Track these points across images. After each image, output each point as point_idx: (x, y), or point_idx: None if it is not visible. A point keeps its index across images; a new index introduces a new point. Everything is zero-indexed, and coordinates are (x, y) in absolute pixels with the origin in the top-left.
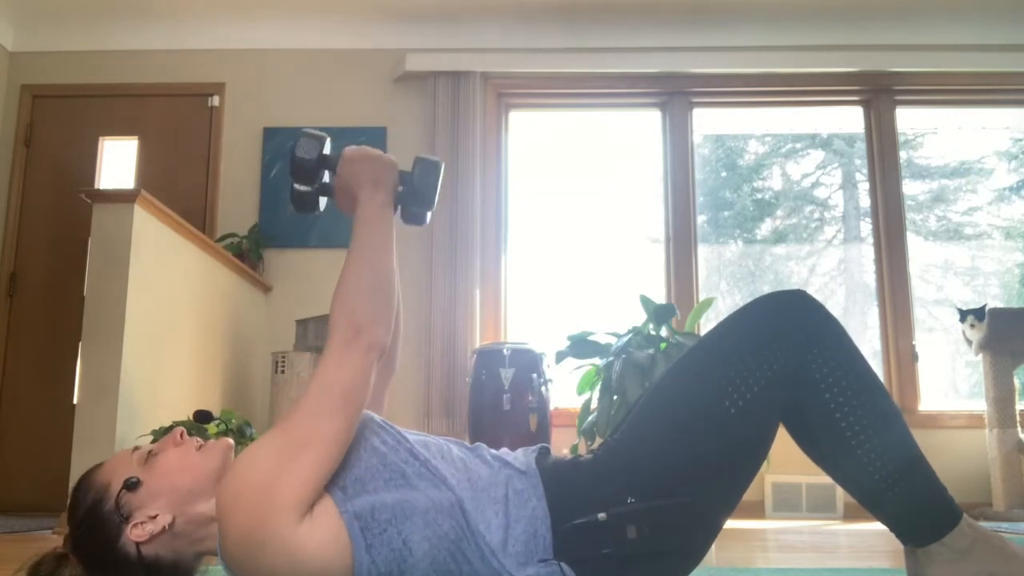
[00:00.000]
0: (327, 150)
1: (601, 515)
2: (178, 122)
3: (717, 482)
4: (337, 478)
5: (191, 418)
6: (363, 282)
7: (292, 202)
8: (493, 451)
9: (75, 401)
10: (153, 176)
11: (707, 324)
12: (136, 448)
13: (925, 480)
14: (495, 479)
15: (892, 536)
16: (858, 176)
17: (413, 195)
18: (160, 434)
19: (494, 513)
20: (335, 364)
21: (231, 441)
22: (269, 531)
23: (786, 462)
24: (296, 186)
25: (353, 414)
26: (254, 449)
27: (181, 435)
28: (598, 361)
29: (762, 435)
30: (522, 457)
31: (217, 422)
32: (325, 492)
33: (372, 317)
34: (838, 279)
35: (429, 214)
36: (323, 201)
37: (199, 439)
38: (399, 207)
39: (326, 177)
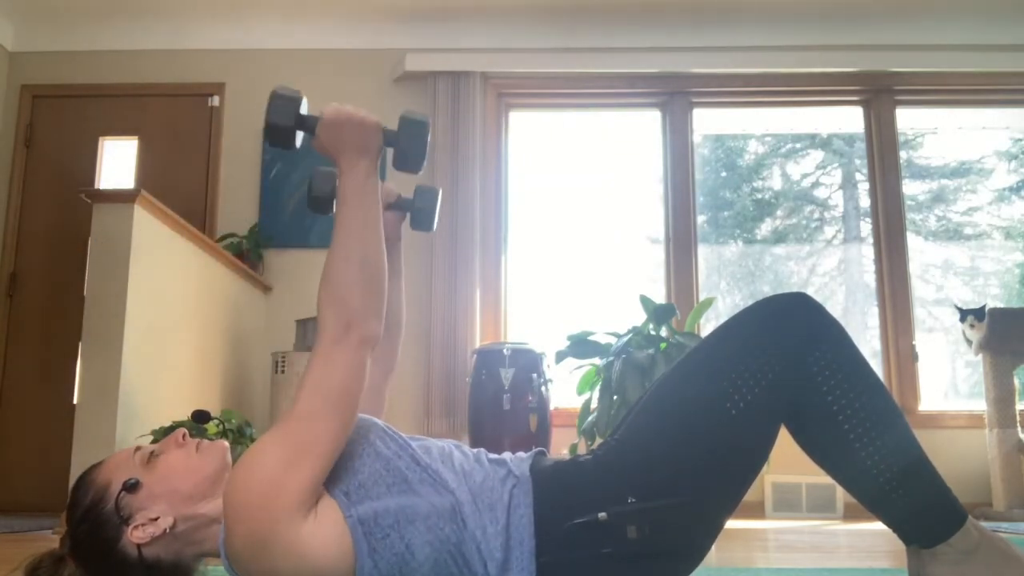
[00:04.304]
0: (304, 110)
1: (602, 514)
2: (178, 122)
3: (718, 483)
4: (341, 483)
5: (190, 418)
6: (351, 269)
7: (266, 138)
8: (492, 455)
9: (75, 401)
10: (153, 176)
11: (707, 324)
12: (138, 448)
13: (929, 481)
14: (489, 483)
15: (892, 536)
16: (858, 176)
17: (400, 157)
18: (160, 434)
19: (490, 520)
20: (326, 363)
21: (226, 443)
22: (275, 533)
23: (786, 462)
24: (271, 123)
25: (348, 413)
26: (256, 454)
27: (183, 436)
28: (598, 361)
29: (763, 436)
30: (517, 463)
31: (216, 422)
32: (329, 497)
33: (362, 309)
34: (838, 279)
35: (423, 164)
36: (299, 137)
37: (200, 440)
38: (392, 160)
39: (299, 138)
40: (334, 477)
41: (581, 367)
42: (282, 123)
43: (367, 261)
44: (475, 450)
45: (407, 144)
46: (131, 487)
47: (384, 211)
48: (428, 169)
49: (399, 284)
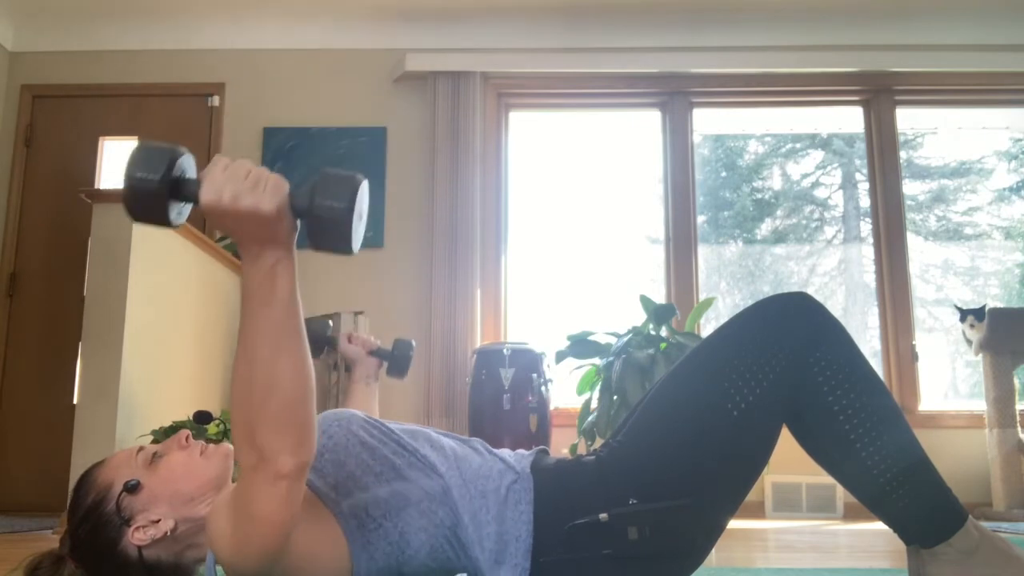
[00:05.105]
0: (186, 172)
1: (603, 516)
2: (178, 122)
3: (719, 484)
4: (328, 476)
5: (191, 418)
6: (254, 398)
7: (126, 208)
8: (490, 448)
9: (75, 401)
10: None
11: (707, 324)
12: (140, 448)
13: (930, 481)
14: (485, 471)
15: (892, 536)
16: (858, 176)
17: (314, 236)
18: (161, 434)
19: (480, 507)
20: (246, 489)
21: (230, 446)
22: (264, 569)
23: (786, 462)
24: (127, 206)
25: (280, 535)
26: (216, 528)
27: (186, 438)
28: (598, 361)
29: (764, 437)
30: (519, 459)
31: (217, 422)
32: (316, 497)
33: (274, 447)
34: (838, 279)
35: (356, 244)
36: (182, 210)
37: (203, 443)
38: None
39: (181, 211)
40: (321, 472)
41: (581, 367)
42: (140, 207)
43: (276, 388)
44: (472, 439)
45: (323, 224)
46: (132, 488)
47: (366, 357)
48: (428, 172)
49: (373, 409)
